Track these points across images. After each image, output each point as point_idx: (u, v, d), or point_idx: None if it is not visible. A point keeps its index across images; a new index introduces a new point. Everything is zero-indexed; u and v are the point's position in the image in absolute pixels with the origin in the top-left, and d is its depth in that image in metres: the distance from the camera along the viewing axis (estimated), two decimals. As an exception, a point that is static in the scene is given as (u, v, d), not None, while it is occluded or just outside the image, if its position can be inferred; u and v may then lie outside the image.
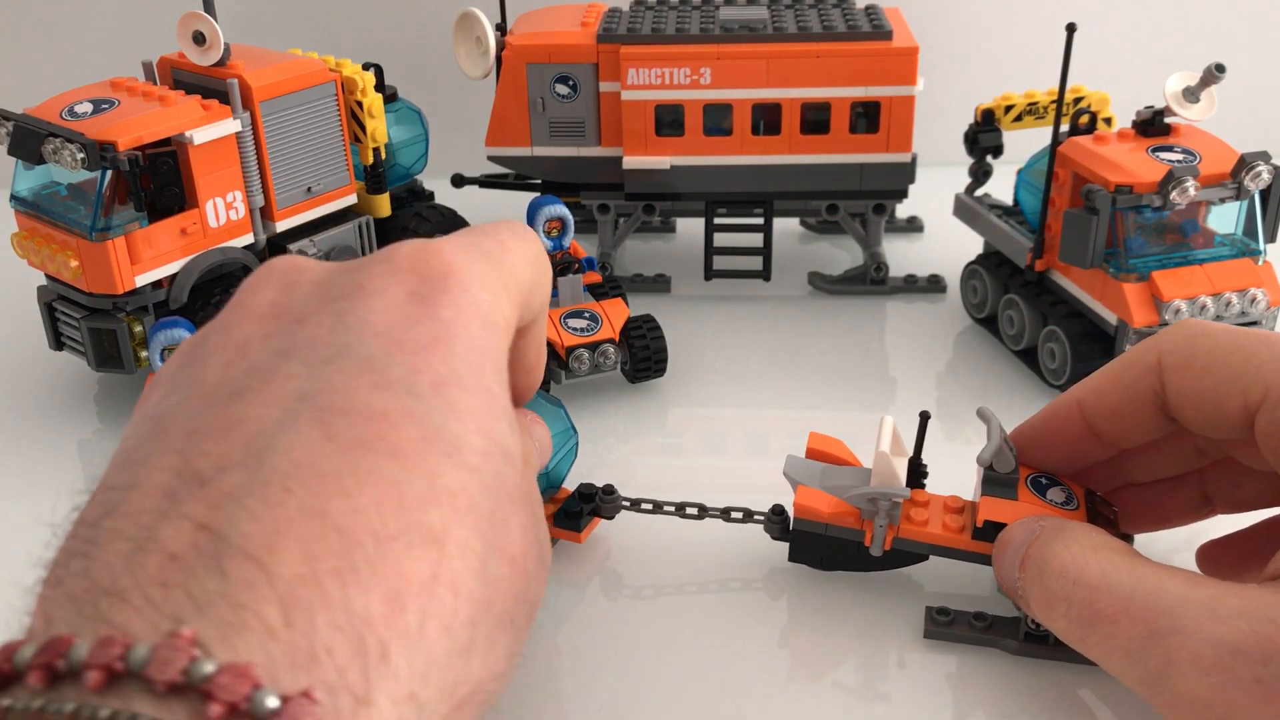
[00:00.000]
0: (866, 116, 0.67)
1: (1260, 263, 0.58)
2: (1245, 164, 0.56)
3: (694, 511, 0.47)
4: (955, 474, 0.47)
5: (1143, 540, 0.46)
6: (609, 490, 0.48)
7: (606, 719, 0.40)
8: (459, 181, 0.77)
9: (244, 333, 0.31)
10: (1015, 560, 0.39)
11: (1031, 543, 0.39)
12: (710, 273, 0.71)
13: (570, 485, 0.49)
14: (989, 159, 0.70)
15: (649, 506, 0.48)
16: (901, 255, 0.77)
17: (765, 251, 0.71)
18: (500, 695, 0.31)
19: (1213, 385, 0.37)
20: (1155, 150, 0.57)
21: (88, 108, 0.57)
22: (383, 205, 0.68)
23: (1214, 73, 0.58)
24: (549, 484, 0.46)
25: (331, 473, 0.26)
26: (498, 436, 0.30)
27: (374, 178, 0.67)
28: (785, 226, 0.80)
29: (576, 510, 0.48)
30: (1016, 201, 0.67)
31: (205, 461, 0.26)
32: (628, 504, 0.48)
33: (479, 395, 0.30)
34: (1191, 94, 0.59)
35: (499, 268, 0.34)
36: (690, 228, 0.80)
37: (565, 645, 0.44)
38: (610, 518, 0.49)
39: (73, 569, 0.25)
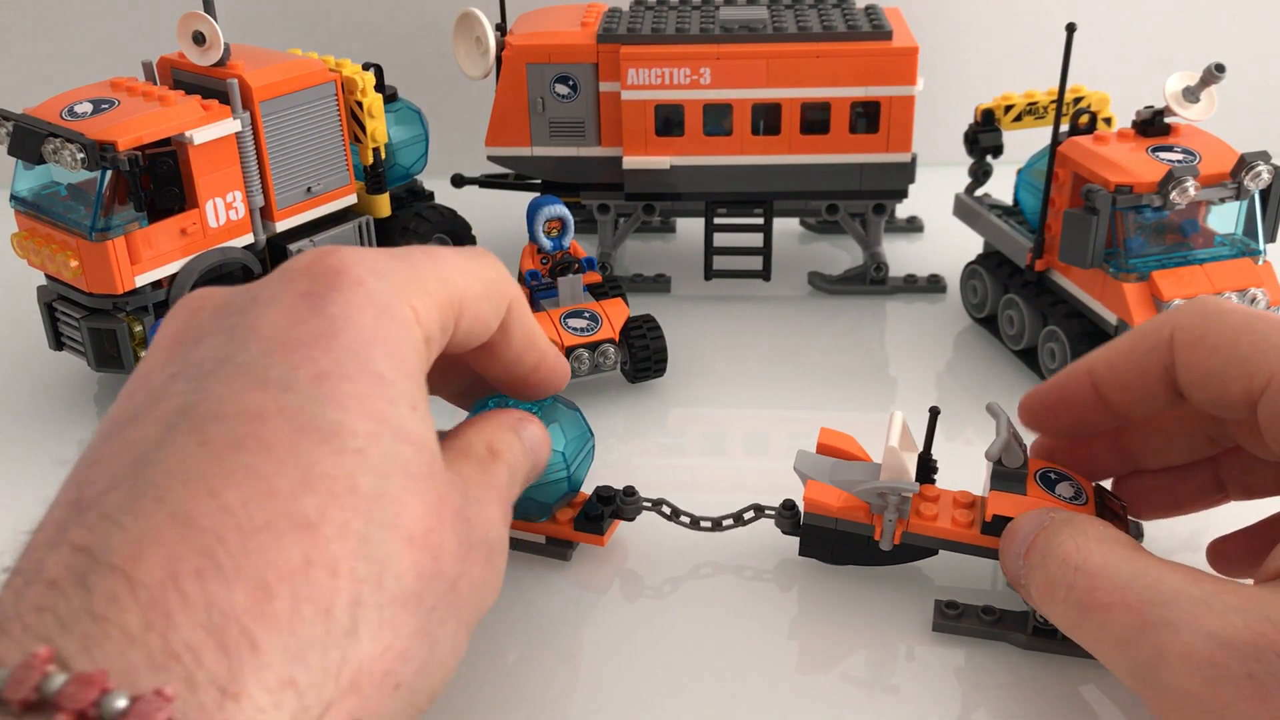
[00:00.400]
0: (866, 116, 0.68)
1: (1260, 262, 0.58)
2: (1245, 164, 0.56)
3: (708, 525, 0.48)
4: (956, 473, 0.47)
5: (1145, 536, 0.47)
6: (629, 492, 0.48)
7: (623, 709, 0.40)
8: (459, 181, 0.77)
9: (148, 365, 0.32)
10: (1021, 548, 0.39)
11: (1039, 531, 0.39)
12: (710, 273, 0.71)
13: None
14: (989, 159, 0.70)
15: (668, 510, 0.48)
16: (901, 255, 0.77)
17: (765, 251, 0.71)
18: (429, 678, 0.31)
19: (1220, 365, 0.37)
20: (1155, 150, 0.58)
21: (88, 108, 0.57)
22: (383, 205, 0.68)
23: (1214, 73, 0.58)
24: (570, 487, 0.45)
25: (200, 475, 0.27)
26: (390, 418, 0.31)
27: (374, 178, 0.67)
28: (785, 226, 0.80)
29: (597, 514, 0.47)
30: (1016, 201, 0.67)
31: (93, 489, 0.28)
32: (649, 504, 0.48)
33: (365, 381, 0.31)
34: (1191, 94, 0.59)
35: (413, 266, 0.35)
36: (690, 228, 0.80)
37: (587, 641, 0.44)
38: (631, 519, 0.48)
39: None
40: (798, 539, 0.46)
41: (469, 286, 0.36)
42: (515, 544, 0.47)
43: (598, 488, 0.48)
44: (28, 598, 0.25)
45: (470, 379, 0.44)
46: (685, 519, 0.48)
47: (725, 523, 0.47)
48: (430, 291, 0.34)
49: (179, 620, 0.25)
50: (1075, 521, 0.38)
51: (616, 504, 0.48)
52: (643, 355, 0.61)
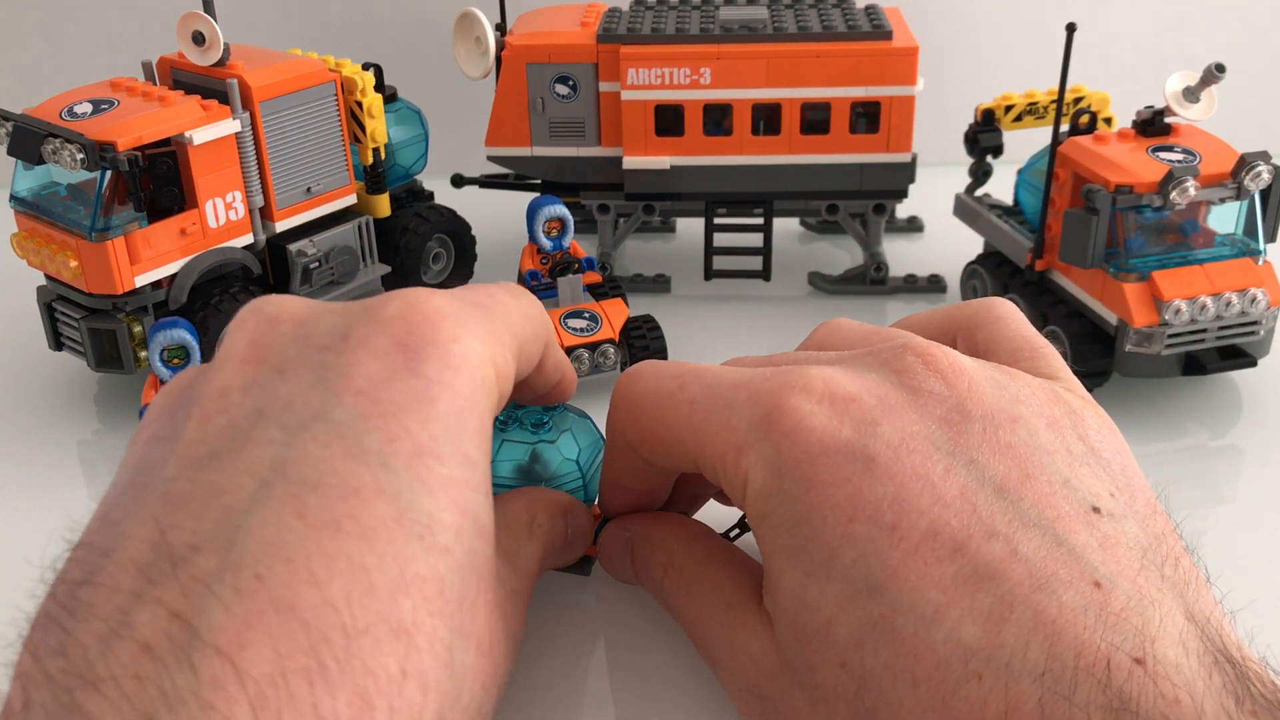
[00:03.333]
0: (866, 116, 0.67)
1: (1260, 263, 0.58)
2: (1245, 164, 0.56)
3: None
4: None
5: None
6: None
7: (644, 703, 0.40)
8: (459, 181, 0.77)
9: (224, 379, 0.31)
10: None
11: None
12: (710, 273, 0.71)
13: None
14: (989, 159, 0.70)
15: None
16: (901, 255, 0.77)
17: (765, 251, 0.71)
18: None
19: (661, 451, 0.38)
20: (1155, 150, 0.58)
21: (87, 108, 0.57)
22: (382, 205, 0.68)
23: (1214, 73, 0.58)
24: (585, 498, 0.44)
25: (301, 557, 0.26)
26: (471, 509, 0.30)
27: (374, 178, 0.67)
28: (785, 226, 0.80)
29: None
30: (1016, 201, 0.67)
31: (179, 536, 0.26)
32: None
33: (456, 465, 0.30)
34: (1191, 94, 0.59)
35: (492, 316, 0.34)
36: (690, 228, 0.80)
37: (609, 656, 0.43)
38: None
39: (50, 643, 0.25)
40: None
41: (523, 330, 0.36)
42: None
43: None
44: (120, 656, 0.24)
45: None
46: None
47: (732, 533, 0.47)
48: (506, 343, 0.34)
49: None
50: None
51: None
52: (643, 355, 0.61)
